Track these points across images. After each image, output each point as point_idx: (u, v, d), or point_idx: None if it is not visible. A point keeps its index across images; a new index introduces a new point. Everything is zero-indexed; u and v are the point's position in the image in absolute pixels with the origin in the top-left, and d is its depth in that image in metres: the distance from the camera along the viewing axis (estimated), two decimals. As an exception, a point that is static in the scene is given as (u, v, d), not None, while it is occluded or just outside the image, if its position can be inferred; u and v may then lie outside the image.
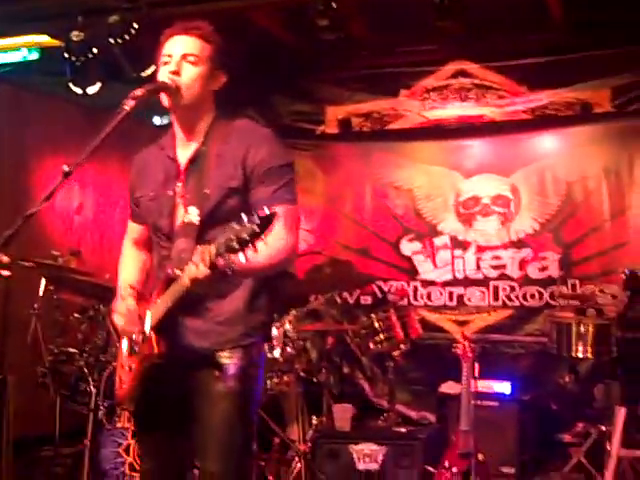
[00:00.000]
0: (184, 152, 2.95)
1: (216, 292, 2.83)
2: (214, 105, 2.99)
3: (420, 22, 6.29)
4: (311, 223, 7.29)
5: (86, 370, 5.07)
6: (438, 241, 7.02)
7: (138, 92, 2.76)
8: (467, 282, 6.92)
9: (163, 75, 2.87)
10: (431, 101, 6.99)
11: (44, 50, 6.50)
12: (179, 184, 2.91)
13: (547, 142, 6.85)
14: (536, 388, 6.26)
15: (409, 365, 6.62)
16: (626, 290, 4.68)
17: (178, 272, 2.71)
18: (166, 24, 2.98)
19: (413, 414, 6.75)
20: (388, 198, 7.16)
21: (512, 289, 6.78)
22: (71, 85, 5.94)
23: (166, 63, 2.88)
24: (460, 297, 6.93)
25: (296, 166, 7.37)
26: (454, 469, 4.40)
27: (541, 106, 6.70)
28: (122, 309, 2.92)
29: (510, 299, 6.79)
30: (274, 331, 5.11)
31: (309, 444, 5.05)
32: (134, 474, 4.74)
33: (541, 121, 6.74)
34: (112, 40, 5.59)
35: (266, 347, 3.14)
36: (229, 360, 2.83)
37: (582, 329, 5.16)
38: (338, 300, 6.96)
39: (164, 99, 2.87)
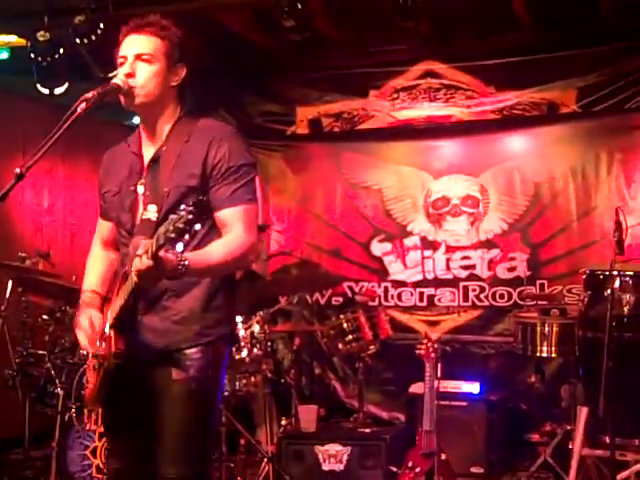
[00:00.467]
0: (148, 149, 2.97)
1: (174, 291, 2.83)
2: (178, 101, 2.99)
3: (389, 23, 6.32)
4: (282, 224, 7.31)
5: (53, 372, 5.06)
6: (408, 242, 7.03)
7: (89, 95, 2.76)
8: (437, 282, 6.94)
9: (118, 77, 2.87)
10: (400, 101, 7.00)
11: (14, 50, 6.49)
12: (141, 181, 2.93)
13: (515, 142, 6.89)
14: (505, 388, 6.30)
15: (380, 365, 6.61)
16: (586, 290, 4.70)
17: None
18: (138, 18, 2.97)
19: (384, 414, 6.78)
20: (358, 198, 7.17)
21: (482, 289, 6.81)
22: (38, 86, 5.92)
23: (121, 64, 2.89)
24: (430, 297, 6.95)
25: (267, 166, 7.48)
26: (417, 469, 4.43)
27: (509, 106, 6.72)
28: (84, 324, 2.89)
29: (480, 299, 6.82)
30: (241, 332, 5.12)
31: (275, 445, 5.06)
32: (101, 477, 4.74)
33: (509, 121, 6.76)
34: (78, 40, 5.58)
35: (231, 348, 3.12)
36: (187, 361, 2.83)
37: (546, 329, 5.20)
38: (309, 300, 6.99)
39: (122, 99, 2.88)
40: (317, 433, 5.16)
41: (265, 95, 7.37)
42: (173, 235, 2.39)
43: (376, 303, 6.92)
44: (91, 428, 4.82)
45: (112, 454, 3.10)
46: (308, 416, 5.14)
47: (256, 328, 5.17)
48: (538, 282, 6.64)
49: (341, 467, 4.69)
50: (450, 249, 6.92)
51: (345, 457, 4.70)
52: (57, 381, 5.03)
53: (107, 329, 2.83)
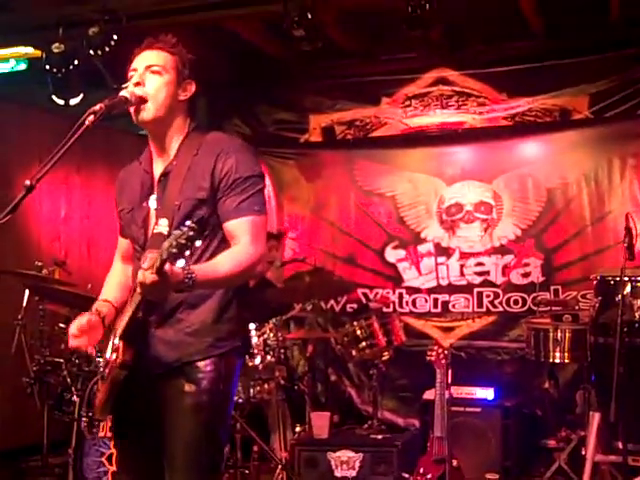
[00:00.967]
0: (158, 165, 3.00)
1: (188, 303, 2.86)
2: (187, 116, 3.02)
3: (400, 31, 6.36)
4: (296, 231, 7.35)
5: (69, 380, 5.11)
6: (422, 248, 7.06)
7: (97, 107, 2.79)
8: (451, 289, 6.96)
9: (127, 89, 2.91)
10: (412, 108, 7.04)
11: (31, 61, 6.57)
12: (153, 196, 2.97)
13: (527, 149, 6.90)
14: (520, 394, 6.28)
15: (395, 372, 6.66)
16: (597, 295, 4.71)
17: None
18: (145, 36, 3.02)
19: (400, 421, 6.79)
20: (372, 205, 7.21)
21: (496, 295, 6.82)
22: (54, 97, 5.99)
23: (131, 77, 2.94)
24: (445, 304, 6.96)
25: (281, 174, 7.55)
26: (428, 475, 4.44)
27: (521, 113, 6.75)
28: (72, 329, 2.91)
29: (494, 305, 6.83)
30: (254, 339, 5.16)
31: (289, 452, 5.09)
32: (116, 483, 4.79)
33: (521, 128, 6.79)
34: (92, 52, 5.64)
35: (244, 359, 3.15)
36: (199, 373, 2.83)
37: (559, 335, 5.20)
38: (324, 307, 7.02)
39: (132, 114, 2.92)
40: (329, 439, 5.18)
41: (278, 104, 7.42)
42: (175, 250, 2.42)
43: (390, 309, 6.94)
44: (106, 435, 4.86)
45: (120, 464, 3.14)
46: (321, 422, 5.16)
47: (269, 335, 5.20)
48: (552, 288, 6.64)
49: (353, 473, 4.71)
50: (464, 255, 6.93)
51: (357, 463, 4.72)
52: (73, 389, 5.07)
53: (116, 340, 2.86)
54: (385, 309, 6.74)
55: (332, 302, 7.13)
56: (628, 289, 4.49)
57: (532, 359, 5.44)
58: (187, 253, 2.45)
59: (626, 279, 4.47)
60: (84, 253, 7.21)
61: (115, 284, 3.18)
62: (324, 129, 7.30)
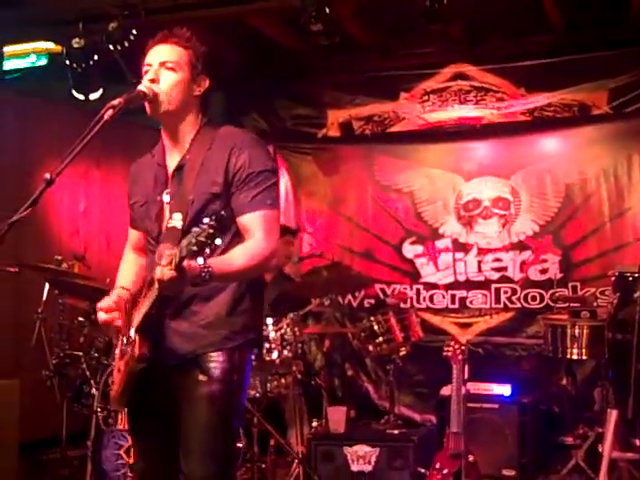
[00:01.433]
0: (172, 159, 3.02)
1: (202, 296, 2.88)
2: (200, 111, 3.04)
3: (418, 25, 6.35)
4: (313, 226, 7.36)
5: (88, 373, 5.15)
6: (439, 244, 7.06)
7: (115, 102, 2.81)
8: (469, 285, 6.95)
9: (142, 84, 2.93)
10: (431, 104, 7.03)
11: (52, 56, 6.60)
12: (167, 190, 2.98)
13: (546, 144, 6.87)
14: (537, 390, 6.26)
15: (413, 368, 6.66)
16: (615, 292, 4.68)
17: None
18: (165, 29, 3.04)
19: (417, 416, 6.80)
20: (389, 201, 7.21)
21: (513, 291, 6.81)
22: (74, 92, 6.03)
23: (146, 72, 2.95)
24: (462, 300, 6.96)
25: (299, 169, 7.56)
26: (445, 470, 4.44)
27: (539, 108, 6.73)
28: (103, 303, 2.97)
29: (511, 301, 6.82)
30: (272, 334, 5.17)
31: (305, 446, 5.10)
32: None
33: (540, 123, 6.77)
34: (112, 47, 5.68)
35: (258, 351, 3.17)
36: (213, 364, 2.87)
37: (576, 331, 5.18)
38: (341, 302, 7.03)
39: (147, 108, 2.93)
40: (346, 434, 5.19)
41: (296, 98, 7.43)
42: (195, 248, 2.44)
43: (407, 305, 6.94)
44: (124, 427, 4.89)
45: (137, 454, 3.17)
46: (337, 417, 5.17)
47: (286, 330, 5.21)
48: (570, 284, 6.62)
49: (369, 468, 4.71)
50: (482, 251, 6.93)
51: (373, 458, 4.72)
52: (92, 381, 5.12)
53: (132, 333, 2.89)
54: (402, 305, 6.72)
55: (349, 297, 7.14)
56: (647, 285, 4.46)
57: (549, 355, 5.42)
58: (207, 251, 2.46)
59: (645, 275, 4.44)
60: (103, 247, 7.25)
61: (130, 272, 3.21)
62: (342, 124, 7.31)
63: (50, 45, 6.52)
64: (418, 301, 7.05)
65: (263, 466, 5.27)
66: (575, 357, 5.23)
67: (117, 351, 3.08)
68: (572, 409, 6.13)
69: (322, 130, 7.39)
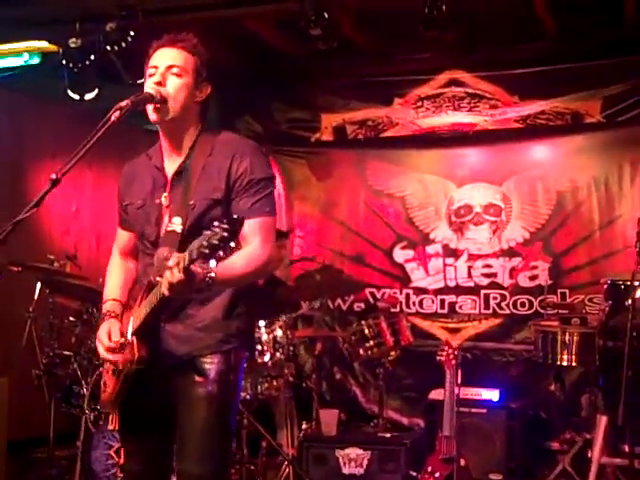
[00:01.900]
0: (171, 163, 3.03)
1: (198, 299, 2.91)
2: (200, 117, 3.06)
3: (414, 31, 6.38)
4: (304, 230, 7.38)
5: (79, 373, 5.15)
6: (430, 249, 7.09)
7: (123, 103, 2.83)
8: (458, 290, 6.98)
9: (148, 86, 2.94)
10: (424, 109, 7.06)
11: (45, 55, 6.60)
12: (165, 194, 3.00)
13: (538, 151, 6.92)
14: (525, 396, 6.30)
15: (401, 372, 6.68)
16: (607, 300, 4.73)
17: (159, 279, 2.80)
18: (162, 32, 3.06)
19: (405, 420, 6.83)
20: (381, 205, 7.23)
21: (503, 297, 6.85)
22: (69, 91, 6.03)
23: (151, 75, 2.96)
24: (452, 305, 6.99)
25: (291, 173, 7.56)
26: (437, 474, 4.48)
27: (533, 115, 6.76)
28: (104, 339, 2.97)
29: (501, 307, 6.85)
30: (264, 336, 5.19)
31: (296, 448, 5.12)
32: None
33: (532, 130, 6.80)
34: (109, 47, 5.68)
35: (251, 354, 3.20)
36: (209, 365, 2.90)
37: (567, 338, 5.21)
38: (331, 306, 7.05)
39: (150, 112, 2.94)
40: (338, 437, 5.21)
41: (290, 102, 7.45)
42: (207, 251, 2.44)
43: (397, 309, 6.97)
44: (115, 427, 4.88)
45: (127, 456, 3.18)
46: (329, 420, 5.19)
47: (279, 332, 5.23)
48: (559, 291, 6.66)
49: (361, 471, 4.74)
50: (472, 257, 6.96)
51: (365, 461, 4.75)
52: (83, 382, 5.11)
53: (129, 335, 2.90)
54: (392, 309, 6.75)
55: (339, 301, 7.16)
56: (638, 294, 4.50)
57: (539, 361, 5.44)
58: (220, 254, 2.45)
59: (637, 284, 4.48)
60: (93, 247, 7.25)
61: (118, 280, 3.22)
62: (335, 128, 7.32)
63: (43, 44, 6.52)
64: (408, 306, 7.08)
65: (252, 468, 5.27)
66: (565, 363, 5.25)
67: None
68: (559, 415, 6.17)
69: (316, 134, 7.40)
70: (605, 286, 4.75)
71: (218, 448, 2.92)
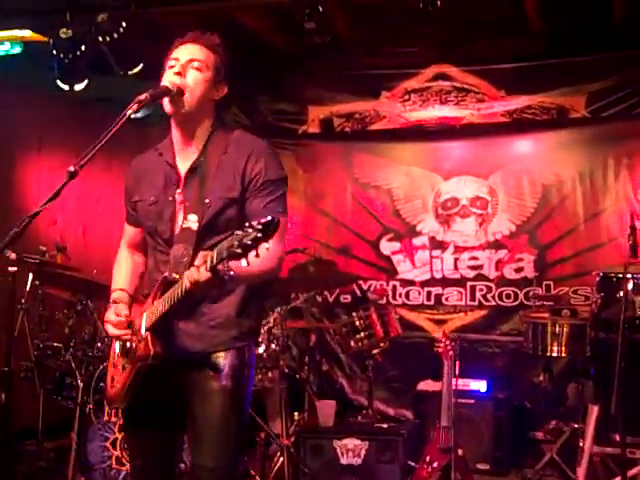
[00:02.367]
0: (183, 160, 3.03)
1: (210, 297, 2.92)
2: (214, 115, 3.07)
3: (401, 25, 6.42)
4: (291, 221, 7.38)
5: (73, 364, 5.13)
6: (417, 241, 7.15)
7: (142, 97, 2.84)
8: (445, 282, 7.05)
9: (166, 79, 2.95)
10: (411, 103, 7.10)
11: (27, 45, 6.54)
12: (178, 191, 3.00)
13: (524, 145, 7.01)
14: (511, 386, 6.39)
15: (387, 363, 6.72)
16: (599, 292, 4.81)
17: (176, 276, 2.82)
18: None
19: (391, 411, 6.89)
20: (368, 198, 7.28)
21: (489, 289, 6.93)
22: (58, 82, 5.98)
23: (172, 67, 2.97)
24: (438, 297, 7.06)
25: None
26: (435, 464, 4.53)
27: (519, 110, 6.84)
28: (112, 317, 2.99)
29: (486, 299, 6.93)
30: (259, 328, 5.20)
31: (292, 439, 5.14)
32: (121, 468, 4.82)
33: (518, 125, 6.88)
34: (100, 38, 5.65)
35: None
36: (223, 360, 2.93)
37: (557, 329, 5.30)
38: (318, 299, 7.08)
39: (166, 104, 2.95)
40: (335, 428, 5.25)
41: (278, 94, 7.45)
42: (239, 251, 2.43)
43: (384, 301, 7.03)
44: (111, 419, 4.90)
45: (134, 450, 3.19)
46: (327, 411, 5.23)
47: (274, 324, 5.25)
48: (545, 283, 6.76)
49: (359, 461, 4.77)
50: (458, 249, 7.03)
51: (363, 451, 4.79)
52: (77, 373, 5.10)
53: (143, 331, 2.91)
54: (380, 301, 6.81)
55: (326, 293, 7.19)
56: (630, 286, 4.59)
57: (529, 352, 5.53)
58: (252, 254, 2.44)
59: (629, 276, 4.57)
60: (80, 238, 7.21)
61: (127, 272, 3.24)
62: (322, 121, 7.35)
63: (26, 33, 6.47)
64: (394, 297, 7.14)
65: (246, 459, 5.29)
66: (555, 354, 5.35)
67: (117, 349, 3.11)
68: (544, 405, 6.27)
69: (303, 126, 7.42)
70: (597, 278, 4.83)
71: (233, 442, 2.94)
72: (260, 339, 5.16)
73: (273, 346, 5.17)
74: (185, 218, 2.92)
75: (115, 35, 5.61)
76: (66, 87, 6.00)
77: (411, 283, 7.14)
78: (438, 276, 7.07)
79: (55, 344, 5.40)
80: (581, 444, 4.95)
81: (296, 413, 5.67)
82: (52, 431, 5.64)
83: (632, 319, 4.51)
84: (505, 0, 6.19)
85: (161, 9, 5.73)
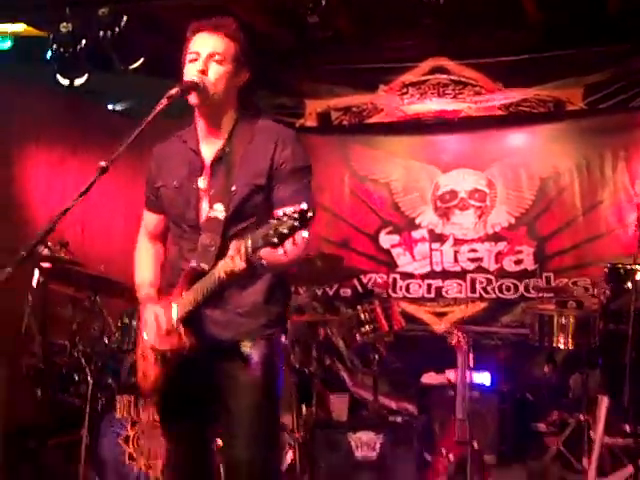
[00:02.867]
0: (208, 148, 3.04)
1: (238, 284, 2.90)
2: (238, 101, 3.09)
3: (399, 18, 6.42)
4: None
5: (83, 361, 5.10)
6: (416, 234, 7.17)
7: (173, 91, 2.86)
8: (445, 274, 7.09)
9: (191, 73, 2.95)
10: (409, 96, 7.11)
11: (24, 39, 6.47)
12: (203, 179, 3.00)
13: (521, 138, 7.06)
14: (513, 379, 6.42)
15: (388, 356, 6.73)
16: (608, 283, 4.85)
17: (204, 266, 2.81)
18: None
19: (393, 404, 6.87)
20: (366, 191, 7.29)
21: (488, 281, 6.96)
22: (58, 76, 5.93)
23: (193, 61, 2.97)
24: (438, 289, 7.10)
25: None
26: (451, 456, 4.55)
27: (516, 103, 6.87)
28: (150, 320, 2.97)
29: (486, 291, 6.97)
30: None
31: (302, 433, 5.14)
32: (134, 464, 4.81)
33: (516, 117, 6.92)
34: (101, 32, 5.61)
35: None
36: (253, 350, 2.93)
37: (563, 320, 5.34)
38: (318, 292, 7.07)
39: (191, 97, 2.95)
40: (349, 421, 5.26)
41: (275, 88, 7.43)
42: (276, 240, 2.44)
43: (384, 294, 7.04)
44: (123, 416, 4.88)
45: (170, 440, 3.20)
46: (340, 405, 5.24)
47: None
48: (544, 275, 6.80)
49: (374, 455, 4.78)
50: (458, 242, 7.07)
51: (378, 445, 4.79)
52: (87, 370, 5.07)
53: (174, 323, 2.90)
54: (383, 294, 6.83)
55: (325, 287, 7.19)
56: (639, 277, 4.63)
57: (535, 344, 5.57)
58: (289, 242, 2.45)
59: (638, 267, 4.61)
60: (79, 234, 7.15)
61: (151, 265, 3.24)
62: (320, 114, 7.34)
63: (18, 27, 6.41)
64: (394, 290, 7.15)
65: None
66: (562, 346, 5.38)
67: (147, 341, 3.09)
68: (546, 396, 6.31)
69: (300, 120, 7.40)
70: (605, 270, 4.87)
71: (268, 433, 2.96)
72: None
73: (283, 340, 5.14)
74: (211, 207, 2.94)
75: (116, 29, 5.56)
76: (66, 82, 5.95)
77: (411, 276, 7.17)
78: (438, 269, 7.10)
79: (60, 341, 5.37)
80: (592, 435, 4.98)
81: (303, 407, 5.66)
82: (58, 429, 5.60)
83: (641, 310, 4.54)
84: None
85: (162, 2, 5.70)
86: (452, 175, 7.09)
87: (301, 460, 4.95)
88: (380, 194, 7.26)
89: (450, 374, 6.06)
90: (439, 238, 7.11)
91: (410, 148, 7.25)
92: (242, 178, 2.93)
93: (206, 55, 2.95)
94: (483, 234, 7.01)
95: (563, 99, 6.77)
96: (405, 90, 7.13)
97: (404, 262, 7.18)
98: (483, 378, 6.06)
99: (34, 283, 5.33)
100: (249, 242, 2.53)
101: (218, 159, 3.00)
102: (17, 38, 6.46)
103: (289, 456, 5.13)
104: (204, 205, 2.99)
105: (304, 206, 2.44)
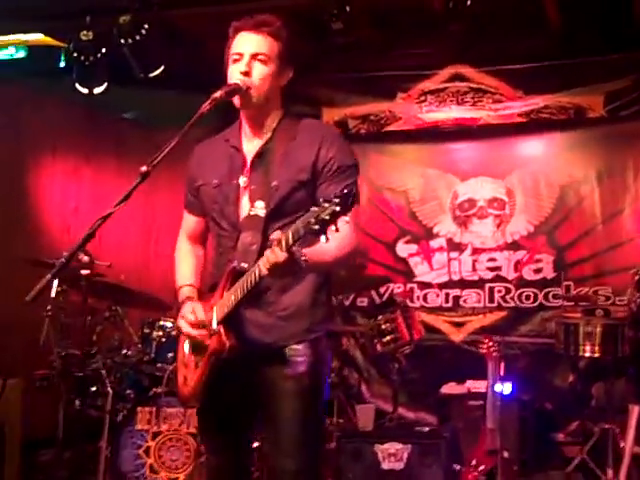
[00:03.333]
0: (250, 145, 2.99)
1: (277, 286, 2.84)
2: (282, 100, 3.06)
3: (418, 26, 6.37)
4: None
5: (104, 372, 5.04)
6: (434, 243, 7.11)
7: (217, 94, 2.82)
8: (463, 284, 7.01)
9: (234, 74, 2.91)
10: (428, 104, 7.07)
11: (31, 49, 6.46)
12: (243, 176, 2.96)
13: (541, 146, 6.99)
14: (533, 388, 6.36)
15: (406, 366, 6.67)
16: (638, 291, 4.80)
17: (244, 265, 2.75)
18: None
19: (411, 415, 6.82)
20: (384, 200, 7.23)
21: (507, 291, 6.89)
22: (77, 85, 5.91)
23: (236, 61, 2.93)
24: (456, 299, 7.02)
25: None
26: (481, 467, 4.49)
27: (536, 110, 6.82)
28: (189, 316, 2.91)
29: (505, 300, 6.90)
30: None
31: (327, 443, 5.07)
32: (155, 476, 4.75)
33: (535, 125, 6.86)
34: (122, 40, 5.58)
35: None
36: (298, 357, 2.85)
37: (589, 329, 5.28)
38: (335, 303, 7.01)
39: (235, 100, 2.92)
40: (375, 432, 5.19)
41: (292, 96, 7.35)
42: (317, 227, 2.36)
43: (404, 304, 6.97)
44: (143, 427, 4.82)
45: (210, 450, 3.13)
46: (366, 415, 5.18)
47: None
48: (564, 284, 6.72)
49: (401, 465, 4.70)
50: (476, 251, 7.00)
51: (405, 455, 4.72)
52: (107, 381, 5.01)
53: (215, 324, 2.83)
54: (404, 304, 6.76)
55: (341, 296, 7.12)
56: (668, 285, 4.59)
57: (561, 352, 5.51)
58: (332, 228, 2.37)
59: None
60: (96, 245, 7.09)
61: (191, 266, 3.19)
62: (337, 123, 7.26)
63: (33, 37, 6.39)
64: (412, 300, 7.08)
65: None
66: (588, 354, 5.32)
67: (186, 347, 3.04)
68: (567, 406, 6.25)
69: (317, 128, 7.34)
70: (636, 277, 4.81)
71: (313, 442, 2.89)
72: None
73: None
74: (252, 205, 2.88)
75: (137, 37, 5.53)
76: (85, 90, 5.93)
77: (429, 285, 7.09)
78: (456, 278, 7.03)
79: (78, 352, 5.31)
80: (622, 445, 4.91)
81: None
82: (74, 440, 5.53)
83: (674, 318, 4.49)
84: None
85: (184, 11, 5.67)
86: (471, 183, 7.03)
87: (327, 471, 4.88)
88: (398, 203, 7.20)
89: (471, 384, 6.02)
90: (457, 247, 7.04)
91: (428, 156, 7.19)
92: (284, 174, 2.88)
93: (249, 55, 2.91)
94: (502, 243, 6.94)
95: (584, 106, 6.73)
96: (423, 98, 7.08)
97: (422, 271, 7.12)
98: (504, 387, 5.98)
99: (53, 293, 5.30)
100: (289, 232, 2.48)
101: (259, 155, 2.96)
102: (32, 48, 6.45)
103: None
104: (244, 202, 2.94)
105: (345, 190, 2.39)
